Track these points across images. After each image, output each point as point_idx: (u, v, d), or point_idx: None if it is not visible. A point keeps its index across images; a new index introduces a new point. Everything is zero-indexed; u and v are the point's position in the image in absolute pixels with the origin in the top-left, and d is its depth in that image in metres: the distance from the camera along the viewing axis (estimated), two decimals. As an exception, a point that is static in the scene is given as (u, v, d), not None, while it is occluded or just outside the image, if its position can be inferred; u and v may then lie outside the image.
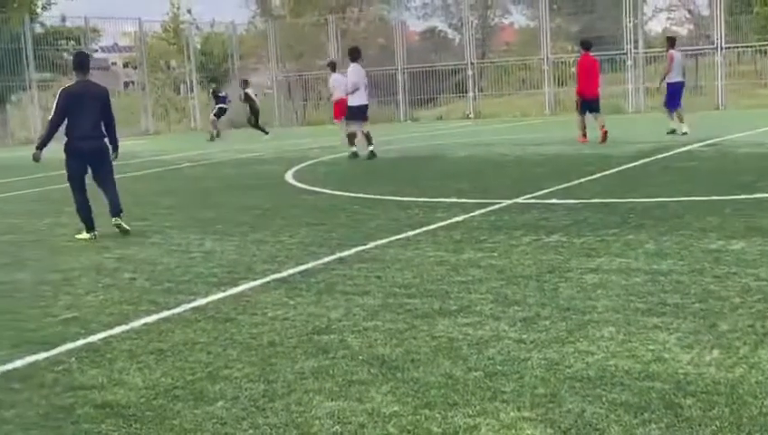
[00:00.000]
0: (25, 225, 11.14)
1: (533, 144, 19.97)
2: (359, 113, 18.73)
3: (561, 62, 36.23)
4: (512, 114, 35.78)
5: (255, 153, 22.22)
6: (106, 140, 9.94)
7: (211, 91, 33.88)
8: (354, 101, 18.63)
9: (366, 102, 18.81)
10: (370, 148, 18.38)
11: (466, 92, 37.57)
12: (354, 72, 18.65)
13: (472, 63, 37.16)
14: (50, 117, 9.84)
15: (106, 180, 10.03)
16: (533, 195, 11.11)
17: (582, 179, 12.46)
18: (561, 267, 6.85)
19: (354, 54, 18.85)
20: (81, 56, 10.36)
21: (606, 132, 18.84)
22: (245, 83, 30.55)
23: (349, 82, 18.79)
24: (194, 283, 7.09)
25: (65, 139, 9.81)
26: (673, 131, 19.92)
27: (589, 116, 19.32)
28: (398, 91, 38.43)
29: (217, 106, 31.45)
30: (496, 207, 10.28)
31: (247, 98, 29.70)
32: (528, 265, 7.04)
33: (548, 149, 18.26)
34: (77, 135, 9.69)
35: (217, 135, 30.89)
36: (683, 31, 41.80)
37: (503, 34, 49.44)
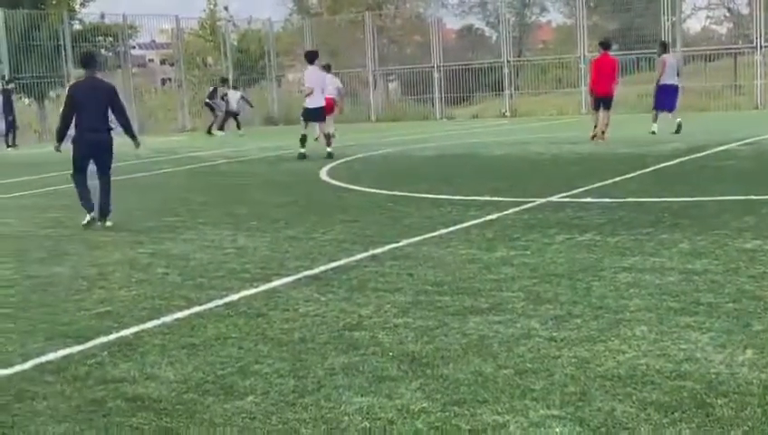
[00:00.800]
0: (64, 219, 11.26)
1: (569, 143, 19.86)
2: (314, 115, 19.45)
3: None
4: (548, 113, 35.62)
5: (291, 150, 22.29)
6: (111, 133, 10.77)
7: (212, 89, 34.82)
8: (310, 103, 19.21)
9: (322, 105, 19.38)
10: (328, 149, 19.11)
11: (502, 91, 37.42)
12: (310, 74, 19.28)
13: (508, 61, 37.02)
14: (61, 111, 10.75)
15: (104, 174, 10.78)
16: (568, 193, 11.05)
17: (617, 178, 12.38)
18: (595, 266, 6.82)
19: (311, 57, 19.46)
20: (87, 55, 11.44)
21: (604, 133, 19.52)
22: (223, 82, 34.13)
23: (306, 85, 19.40)
24: (226, 278, 7.14)
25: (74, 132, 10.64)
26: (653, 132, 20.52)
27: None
28: (434, 89, 38.38)
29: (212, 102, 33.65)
30: (530, 205, 10.24)
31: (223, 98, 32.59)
32: (561, 263, 7.01)
33: (583, 148, 18.16)
34: (84, 127, 10.47)
35: (220, 129, 32.76)
36: (722, 29, 41.43)
37: (540, 32, 49.29)
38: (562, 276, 6.54)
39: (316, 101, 19.17)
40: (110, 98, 10.61)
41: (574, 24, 36.75)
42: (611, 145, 18.37)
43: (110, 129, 10.74)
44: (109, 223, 10.50)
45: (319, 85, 19.18)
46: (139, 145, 11.23)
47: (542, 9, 49.18)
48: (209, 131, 32.74)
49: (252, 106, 35.89)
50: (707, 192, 10.54)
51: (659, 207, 9.64)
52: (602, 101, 19.85)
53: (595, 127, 19.94)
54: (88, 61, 10.93)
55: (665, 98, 21.20)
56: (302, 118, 19.81)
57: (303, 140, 19.38)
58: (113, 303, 6.51)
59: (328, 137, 19.52)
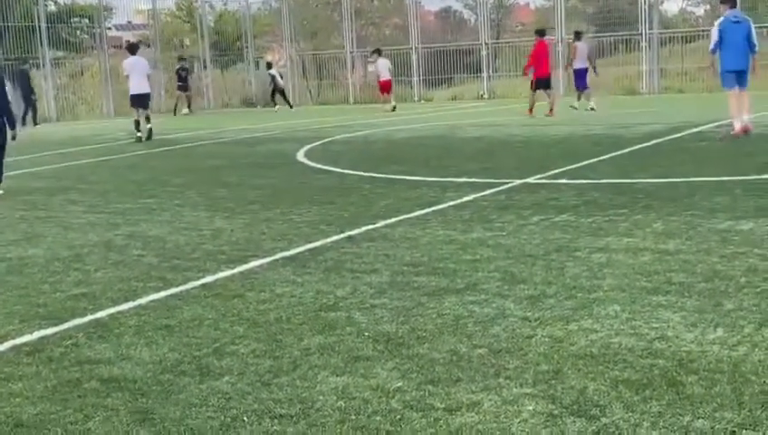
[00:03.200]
0: (38, 201, 11.20)
1: (545, 124, 19.93)
2: (136, 101, 21.85)
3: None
4: (525, 95, 35.58)
5: (268, 132, 22.25)
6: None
7: (179, 67, 36.25)
8: (133, 90, 21.89)
9: (141, 92, 21.75)
10: (138, 134, 21.18)
11: (481, 73, 37.42)
12: (129, 63, 21.92)
13: (486, 44, 37.02)
14: None
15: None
16: (543, 175, 11.11)
17: (593, 160, 12.45)
18: (569, 247, 6.87)
19: (132, 49, 22.61)
20: None
21: (552, 109, 22.50)
22: (269, 66, 35.74)
23: (125, 73, 22.26)
24: (203, 260, 7.14)
25: None
26: (575, 108, 24.07)
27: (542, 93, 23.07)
28: (412, 71, 38.34)
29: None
30: (506, 187, 10.29)
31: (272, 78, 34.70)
32: (536, 244, 7.06)
33: (560, 130, 18.22)
34: None
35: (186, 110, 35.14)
36: (699, 11, 41.54)
37: (518, 14, 49.21)
38: (537, 257, 6.59)
39: (137, 88, 21.71)
40: None
41: (552, 7, 36.73)
42: (587, 126, 18.44)
43: None
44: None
45: (137, 73, 21.71)
46: (15, 137, 12.64)
47: (520, -10, 49.10)
48: (175, 112, 34.80)
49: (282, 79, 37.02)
50: (681, 174, 10.62)
51: (634, 188, 9.71)
52: (545, 81, 23.26)
53: (532, 105, 23.21)
54: None
55: (584, 79, 24.89)
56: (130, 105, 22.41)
57: (137, 123, 21.53)
58: (89, 284, 6.50)
59: (143, 120, 21.50)
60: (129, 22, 48.60)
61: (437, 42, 39.82)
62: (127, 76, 22.12)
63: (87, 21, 39.77)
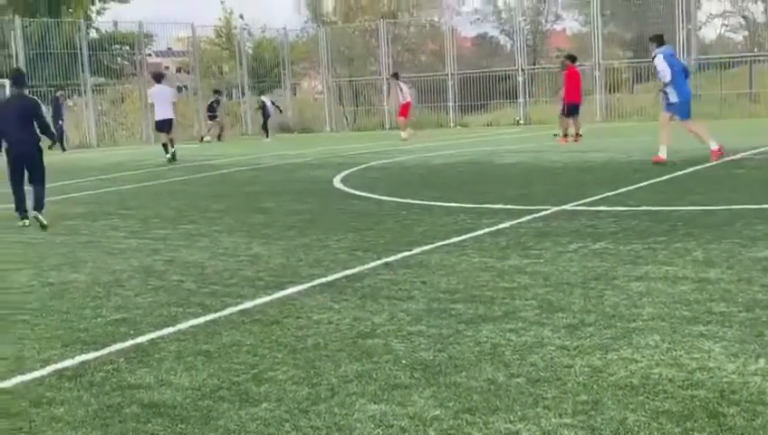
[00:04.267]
0: (80, 227, 11.34)
1: (582, 151, 19.85)
2: (160, 126, 23.60)
3: (613, 69, 35.96)
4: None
5: (305, 158, 22.37)
6: (40, 144, 11.96)
7: (213, 100, 37.12)
8: (156, 116, 23.54)
9: (164, 118, 23.20)
10: (168, 155, 22.86)
11: (517, 98, 37.41)
12: (154, 92, 23.60)
13: (522, 69, 37.02)
14: None
15: (36, 179, 11.82)
16: (581, 202, 11.06)
17: (631, 187, 12.37)
18: (608, 275, 6.83)
19: (158, 78, 24.13)
20: (15, 73, 13.00)
21: (580, 135, 22.72)
22: (261, 93, 37.25)
23: (150, 100, 24.28)
24: (241, 286, 7.19)
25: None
26: (556, 135, 23.81)
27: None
28: (448, 96, 38.43)
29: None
30: (543, 213, 10.26)
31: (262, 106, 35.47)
32: (574, 272, 7.02)
33: (597, 156, 18.15)
34: (10, 141, 11.71)
35: (215, 138, 35.65)
36: (737, 37, 41.26)
37: (555, 40, 49.17)
38: (575, 285, 6.55)
39: (161, 115, 23.16)
40: (34, 113, 11.77)
41: (589, 33, 36.69)
42: (626, 152, 18.34)
43: (36, 140, 11.83)
44: (44, 221, 11.38)
45: (163, 101, 23.12)
46: (53, 145, 13.11)
47: (556, 17, 49.05)
48: (202, 139, 35.54)
49: (281, 111, 37.92)
50: (721, 201, 10.52)
51: (673, 215, 9.63)
52: (575, 107, 23.11)
53: (565, 131, 22.98)
54: (16, 79, 12.27)
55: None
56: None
57: (165, 146, 23.20)
58: (129, 309, 6.56)
59: (166, 146, 23.18)
60: (169, 49, 49.25)
61: (473, 67, 39.88)
62: (152, 104, 23.71)
63: (128, 48, 40.32)
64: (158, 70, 29.33)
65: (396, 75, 30.93)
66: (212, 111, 36.38)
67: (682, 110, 15.60)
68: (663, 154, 15.50)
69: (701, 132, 15.88)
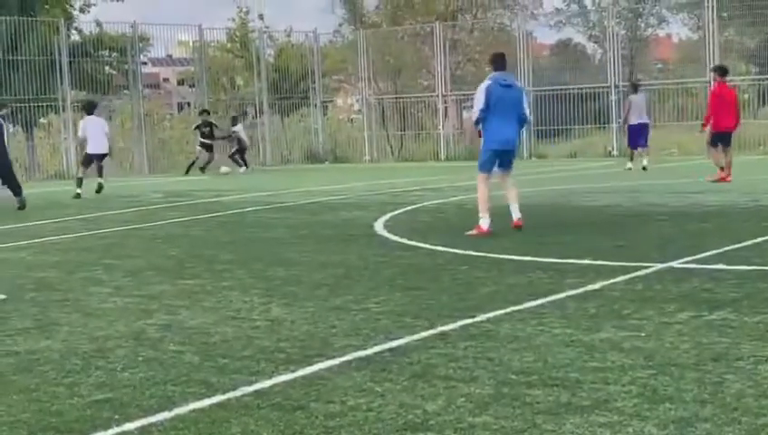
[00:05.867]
0: (54, 280, 11.44)
1: (694, 191, 19.75)
2: (92, 159, 26.01)
3: (732, 86, 35.79)
4: (666, 151, 35.46)
5: (338, 195, 22.48)
6: None
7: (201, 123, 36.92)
8: (89, 149, 25.99)
9: (99, 152, 25.78)
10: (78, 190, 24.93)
11: (608, 123, 37.39)
12: (86, 124, 26.12)
13: (616, 86, 37.00)
14: None
15: None
16: (694, 257, 10.98)
17: (759, 239, 12.28)
18: (729, 354, 6.75)
19: (89, 108, 26.79)
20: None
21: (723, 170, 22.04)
22: (234, 121, 37.58)
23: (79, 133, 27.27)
24: (256, 359, 7.19)
25: None
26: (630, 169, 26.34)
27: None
28: (520, 120, 38.47)
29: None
30: (644, 272, 10.20)
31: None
32: (685, 349, 6.95)
33: (714, 199, 18.05)
34: None
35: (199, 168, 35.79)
36: None
37: (657, 49, 49.25)
38: (686, 367, 6.48)
39: (93, 148, 25.72)
40: None
41: (702, 40, 36.64)
42: (752, 195, 18.22)
43: None
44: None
45: (99, 133, 25.71)
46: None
47: (660, 20, 49.12)
48: (203, 169, 35.60)
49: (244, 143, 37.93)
50: None
51: (813, 277, 9.54)
52: (723, 136, 22.52)
53: (720, 165, 22.33)
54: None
55: (638, 137, 27.97)
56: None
57: (80, 181, 25.28)
58: (114, 388, 6.58)
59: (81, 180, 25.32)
60: (169, 56, 49.95)
61: (553, 83, 39.97)
62: (84, 138, 26.27)
63: (117, 54, 40.55)
64: (90, 99, 31.82)
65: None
66: (204, 136, 35.97)
67: (483, 160, 14.22)
68: (483, 224, 14.02)
69: (481, 199, 14.16)
